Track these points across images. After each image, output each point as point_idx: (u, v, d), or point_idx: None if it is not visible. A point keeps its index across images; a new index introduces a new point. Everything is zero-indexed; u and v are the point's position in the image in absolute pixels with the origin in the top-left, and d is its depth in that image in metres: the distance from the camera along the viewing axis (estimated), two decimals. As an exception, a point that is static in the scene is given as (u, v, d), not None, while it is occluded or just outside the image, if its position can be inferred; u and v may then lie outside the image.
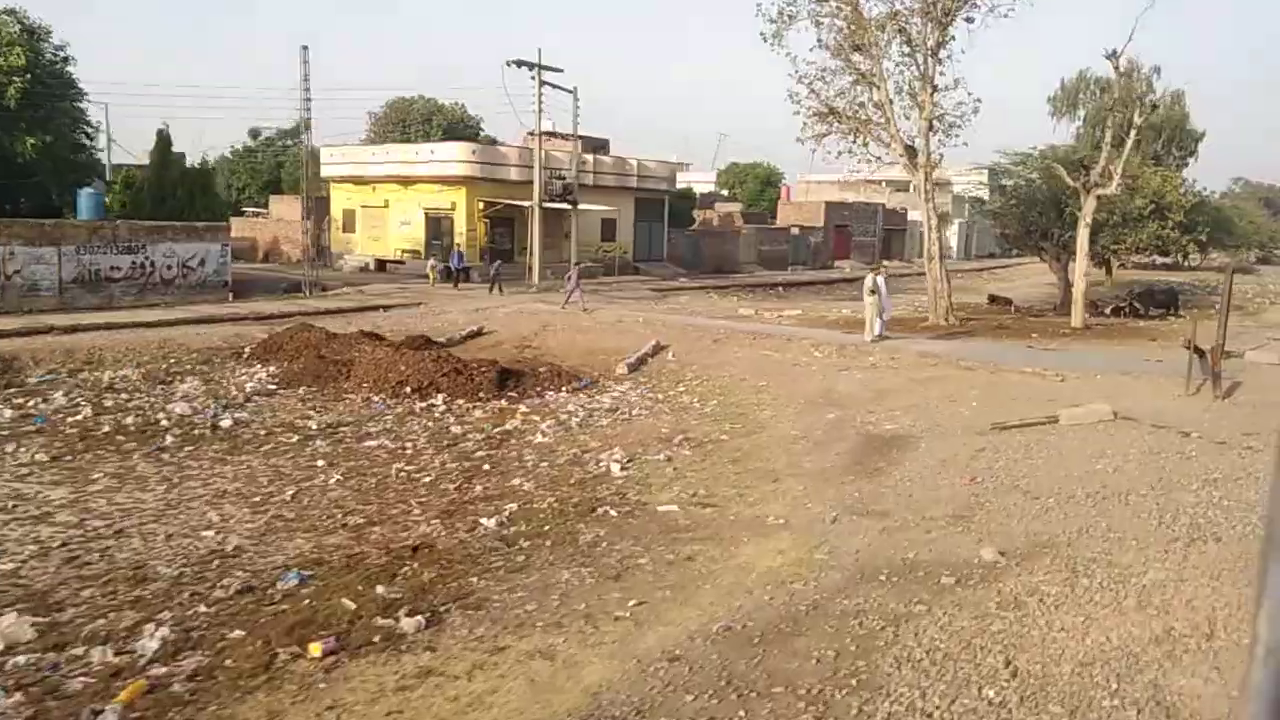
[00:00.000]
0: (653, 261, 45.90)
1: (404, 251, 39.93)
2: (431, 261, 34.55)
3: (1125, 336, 23.49)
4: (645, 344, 20.68)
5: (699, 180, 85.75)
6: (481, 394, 17.01)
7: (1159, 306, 33.25)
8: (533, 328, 23.71)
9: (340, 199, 43.15)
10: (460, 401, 16.56)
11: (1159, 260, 78.09)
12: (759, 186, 65.59)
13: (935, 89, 24.50)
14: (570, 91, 34.65)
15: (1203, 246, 63.69)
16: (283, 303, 27.00)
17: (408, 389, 16.88)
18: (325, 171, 43.46)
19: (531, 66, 32.95)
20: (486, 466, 12.82)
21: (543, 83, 33.09)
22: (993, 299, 36.64)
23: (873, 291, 19.24)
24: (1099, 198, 25.26)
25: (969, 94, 24.72)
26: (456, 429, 14.85)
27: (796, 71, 25.36)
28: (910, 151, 25.47)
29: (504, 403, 16.67)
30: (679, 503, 10.93)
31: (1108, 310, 32.86)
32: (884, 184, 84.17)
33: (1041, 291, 44.22)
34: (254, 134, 55.75)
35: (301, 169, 32.63)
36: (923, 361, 17.62)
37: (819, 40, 25.35)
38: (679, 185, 77.83)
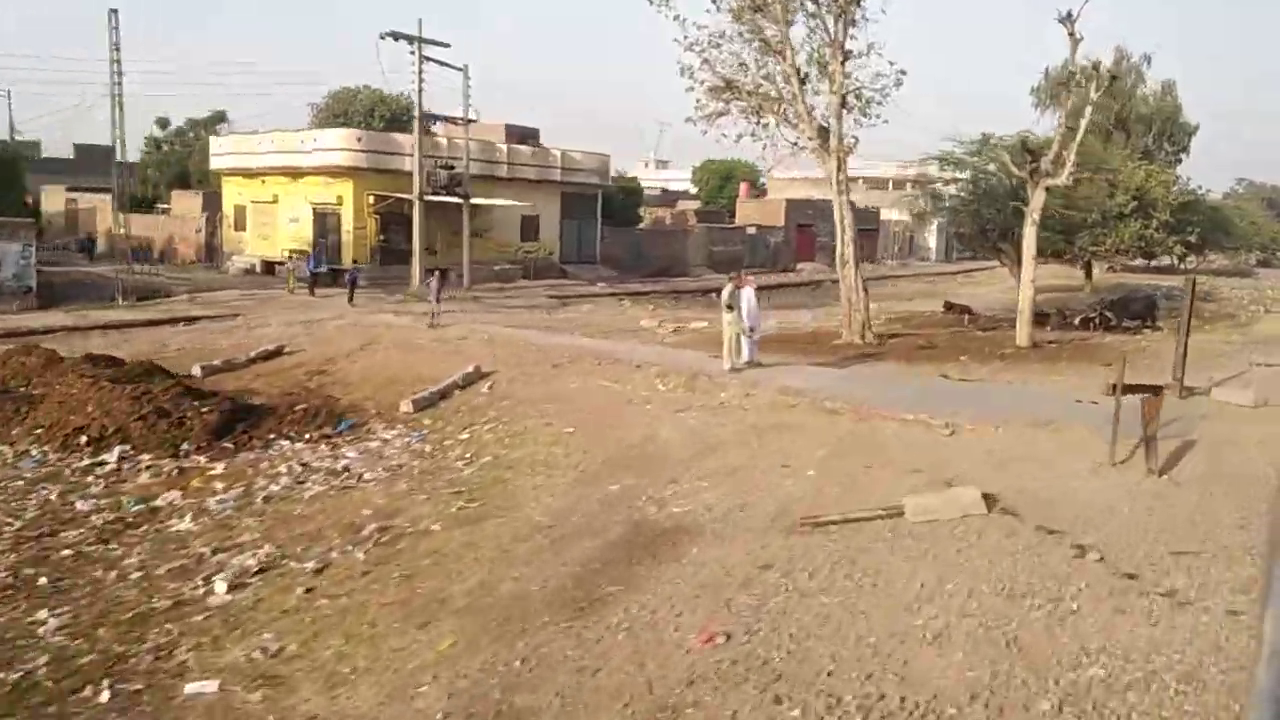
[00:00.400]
0: (584, 263, 41.59)
1: (292, 252, 35.62)
2: (288, 264, 30.23)
3: (1075, 359, 19.13)
4: (462, 371, 16.38)
5: (675, 178, 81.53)
6: (188, 443, 12.72)
7: (1134, 317, 28.87)
8: (351, 346, 19.40)
9: (232, 194, 38.87)
10: (145, 456, 12.28)
11: (1152, 263, 73.95)
12: (718, 183, 61.18)
13: (847, 56, 20.13)
14: (460, 69, 30.37)
15: (1194, 248, 59.69)
16: (77, 315, 22.70)
17: (84, 437, 12.59)
18: (214, 163, 39.30)
19: (411, 40, 28.66)
20: (43, 579, 8.53)
21: (424, 58, 28.79)
22: (949, 307, 32.27)
23: (730, 307, 14.88)
24: (1049, 189, 20.89)
25: (890, 64, 20.46)
26: (85, 504, 10.55)
27: (686, 38, 21.04)
28: (823, 133, 21.13)
29: (202, 459, 12.37)
30: (233, 672, 6.64)
31: (1076, 321, 28.58)
32: (860, 181, 79.93)
33: (1013, 298, 39.87)
34: (163, 124, 51.45)
35: (113, 154, 28.36)
36: (782, 401, 13.27)
37: (714, 2, 21.02)
38: (661, 185, 73.51)
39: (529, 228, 39.16)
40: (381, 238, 34.01)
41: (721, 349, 15.54)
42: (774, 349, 19.91)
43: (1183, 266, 71.06)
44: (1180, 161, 63.11)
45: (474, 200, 32.69)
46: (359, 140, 32.92)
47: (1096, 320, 28.36)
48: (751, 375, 14.82)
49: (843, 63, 20.10)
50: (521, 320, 24.14)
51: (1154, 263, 72.96)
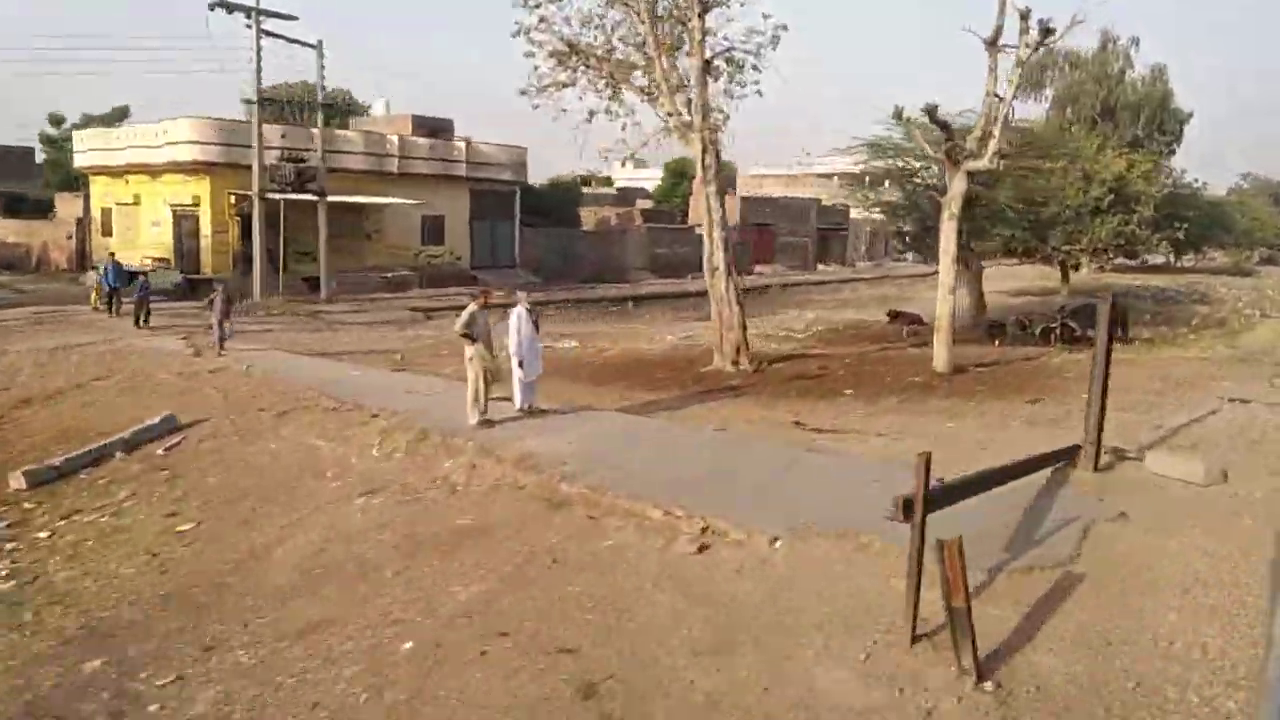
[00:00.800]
0: (501, 268, 37.33)
1: (153, 260, 31.45)
2: (93, 275, 25.97)
3: (997, 391, 14.77)
4: (136, 426, 12.11)
5: (654, 178, 77.04)
6: None
7: (1102, 327, 24.45)
8: (74, 381, 15.15)
9: (99, 194, 34.71)
10: None
11: (1148, 261, 69.33)
12: (671, 180, 56.84)
13: (706, 7, 15.83)
14: (313, 46, 26.15)
15: (1182, 245, 55.40)
16: None
17: None
18: (78, 161, 35.12)
19: (248, 12, 24.46)
20: None
21: (263, 32, 24.58)
22: (894, 316, 27.89)
23: (470, 337, 10.50)
24: (971, 174, 16.58)
25: (765, 17, 16.23)
26: None
27: (519, -9, 16.76)
28: (688, 107, 16.86)
29: None
30: None
31: (1037, 331, 24.39)
32: (835, 178, 75.33)
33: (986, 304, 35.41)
34: (56, 120, 47.27)
35: None
36: (510, 480, 8.98)
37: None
38: (637, 185, 68.85)
39: (432, 229, 34.93)
40: (245, 243, 29.80)
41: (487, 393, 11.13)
42: (617, 378, 15.71)
43: (1179, 265, 66.57)
44: (1173, 152, 58.51)
45: (339, 199, 28.47)
46: (213, 131, 28.69)
47: (1057, 331, 24.06)
48: (500, 434, 10.49)
49: (701, 15, 15.82)
50: (344, 342, 19.92)
51: (1150, 261, 68.52)
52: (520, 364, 11.12)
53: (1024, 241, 36.98)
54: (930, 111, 15.93)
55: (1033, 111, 57.29)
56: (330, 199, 27.66)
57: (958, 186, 16.51)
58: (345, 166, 31.09)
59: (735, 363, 16.54)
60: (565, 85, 17.20)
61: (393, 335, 21.74)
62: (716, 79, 16.57)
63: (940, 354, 16.90)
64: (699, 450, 9.98)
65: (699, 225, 49.49)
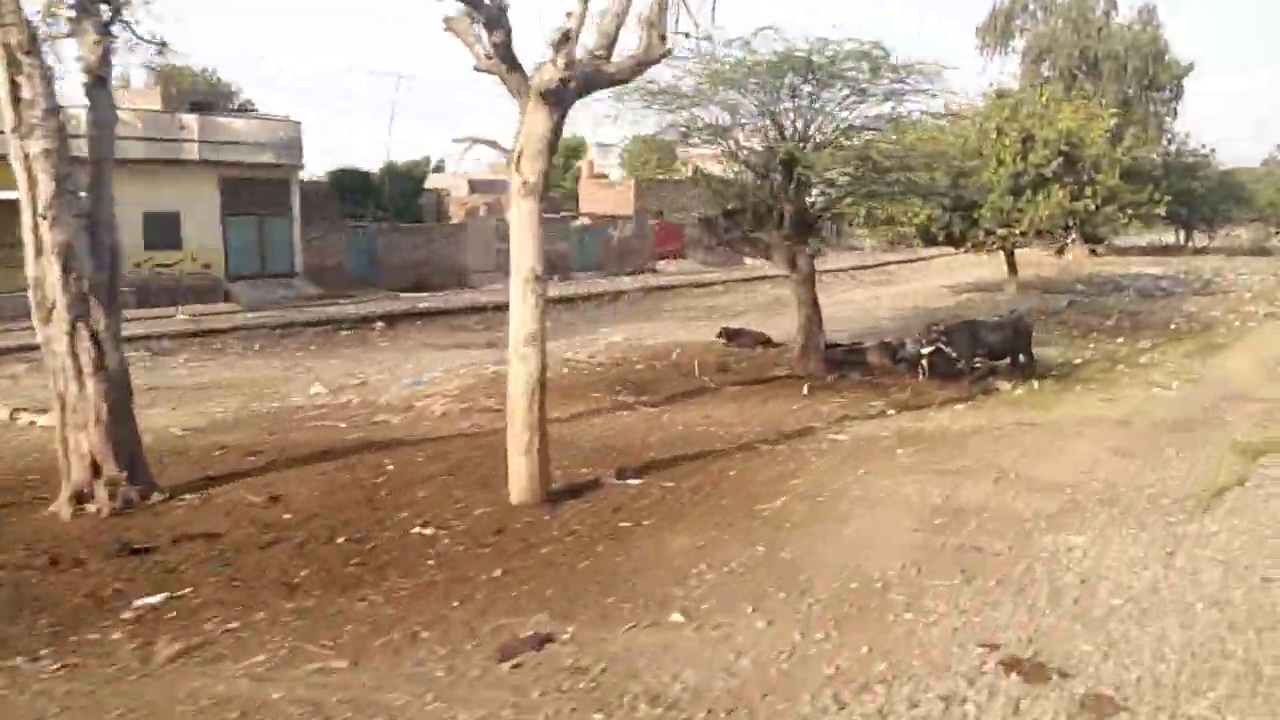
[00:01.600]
0: (274, 277, 29.11)
1: None
2: None
3: (563, 579, 6.30)
4: None
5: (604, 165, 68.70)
6: None
7: (994, 355, 15.71)
8: None
9: None
10: None
11: (1159, 241, 60.03)
12: (564, 161, 48.14)
13: None
14: None
15: (1185, 222, 46.10)
16: None
17: None
18: None
19: None
20: None
21: None
22: (729, 336, 19.39)
23: None
24: (548, 98, 7.93)
25: None
26: None
27: None
28: None
29: None
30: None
31: (909, 360, 16.05)
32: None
33: (900, 306, 26.81)
34: None
35: None
36: None
37: None
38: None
39: (160, 230, 26.71)
40: None
41: None
42: None
43: (1190, 245, 56.98)
44: (1172, 113, 49.02)
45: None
46: None
47: (925, 363, 15.55)
48: None
49: None
50: None
51: (1159, 240, 59.24)
52: None
53: (944, 224, 28.48)
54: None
55: (999, 67, 48.24)
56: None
57: (532, 125, 7.92)
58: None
59: (84, 499, 8.04)
60: None
61: None
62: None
63: (520, 473, 8.29)
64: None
65: (584, 216, 40.59)
